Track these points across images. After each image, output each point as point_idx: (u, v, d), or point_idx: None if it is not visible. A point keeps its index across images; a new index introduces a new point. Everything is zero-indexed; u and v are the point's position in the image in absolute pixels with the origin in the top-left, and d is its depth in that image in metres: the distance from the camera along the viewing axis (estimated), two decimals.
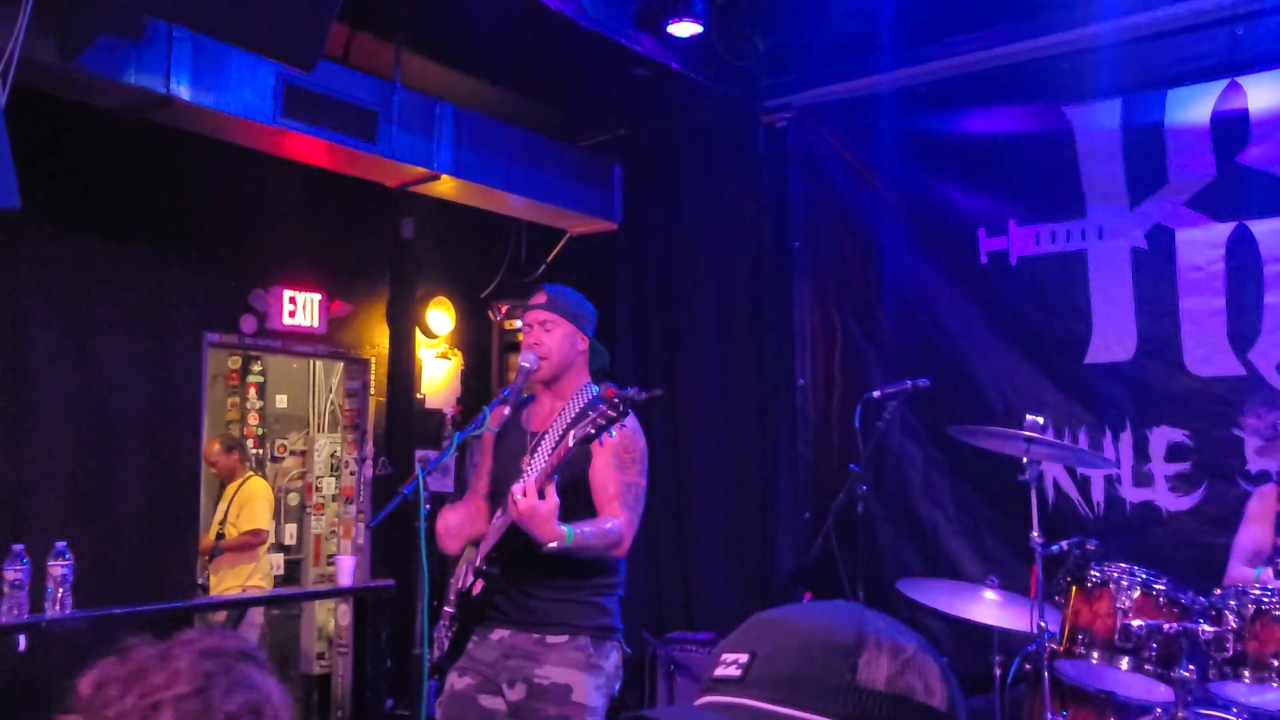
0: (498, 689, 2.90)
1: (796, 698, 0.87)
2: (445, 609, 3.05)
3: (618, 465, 2.92)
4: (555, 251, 6.35)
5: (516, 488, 2.67)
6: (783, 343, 5.52)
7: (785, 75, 5.49)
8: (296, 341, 5.81)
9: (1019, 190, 4.93)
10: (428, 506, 2.58)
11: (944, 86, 5.13)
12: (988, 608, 3.60)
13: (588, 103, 5.83)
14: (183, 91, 4.10)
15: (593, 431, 2.63)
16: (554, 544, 2.66)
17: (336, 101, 4.65)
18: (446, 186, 5.41)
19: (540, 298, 3.10)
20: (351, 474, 6.20)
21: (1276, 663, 2.91)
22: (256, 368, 7.70)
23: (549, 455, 2.85)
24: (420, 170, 5.09)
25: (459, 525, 3.04)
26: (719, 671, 0.92)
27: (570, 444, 2.65)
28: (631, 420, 2.97)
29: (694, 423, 5.76)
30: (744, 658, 0.91)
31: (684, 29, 4.94)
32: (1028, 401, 4.72)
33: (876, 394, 4.09)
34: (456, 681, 2.96)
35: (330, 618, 6.52)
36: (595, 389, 3.08)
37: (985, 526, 4.82)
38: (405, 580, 5.34)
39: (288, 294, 5.60)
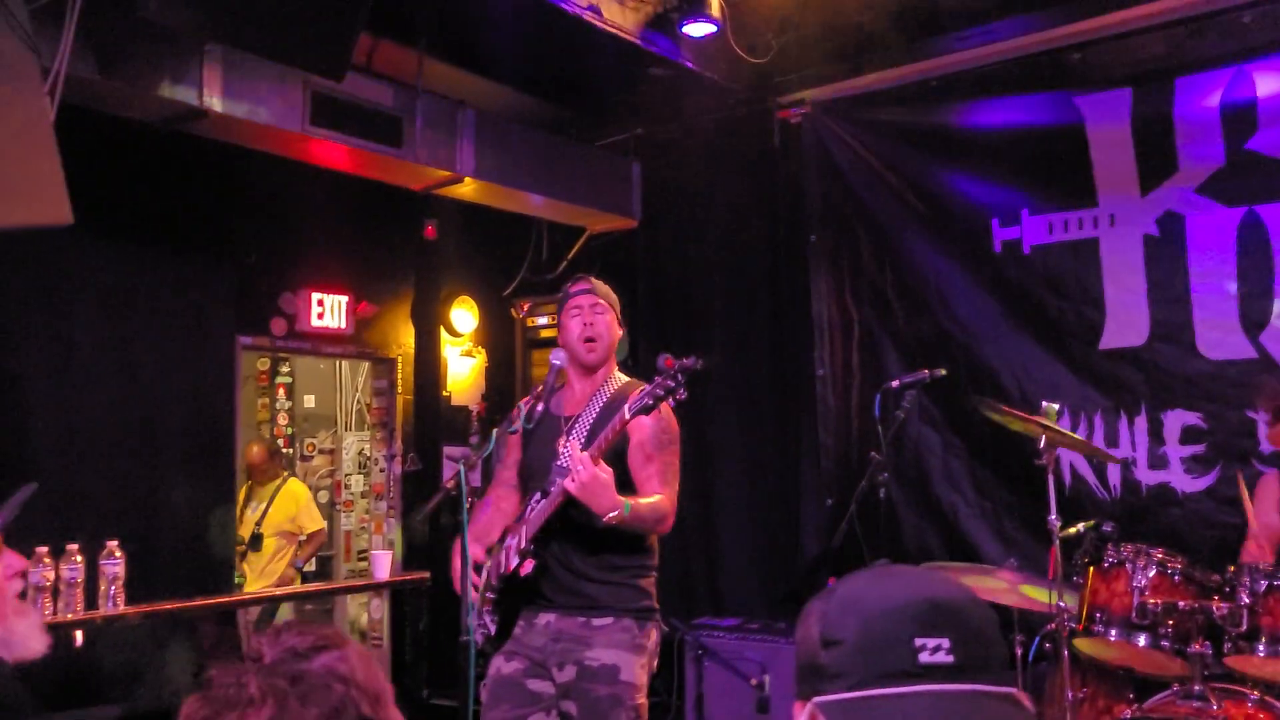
0: (546, 673, 3.01)
1: (1006, 676, 0.96)
2: (487, 594, 3.10)
3: (656, 445, 3.00)
4: (575, 249, 6.45)
5: (576, 457, 2.74)
6: (802, 334, 5.61)
7: (799, 72, 5.56)
8: (325, 342, 5.95)
9: (1031, 180, 4.99)
10: (469, 500, 2.70)
11: (955, 79, 5.21)
12: (1008, 589, 3.71)
13: (606, 102, 5.94)
14: (215, 103, 4.22)
15: (650, 402, 2.72)
16: (613, 514, 2.75)
17: (362, 108, 4.77)
18: (469, 188, 5.52)
19: (585, 283, 3.20)
20: (381, 471, 6.33)
21: None
22: (285, 369, 7.87)
23: (587, 435, 2.95)
24: (444, 173, 5.21)
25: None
26: (926, 658, 0.93)
27: (627, 415, 2.73)
28: (667, 404, 3.08)
29: (717, 415, 5.85)
30: (945, 643, 0.93)
31: (698, 29, 5.03)
32: (1043, 387, 4.81)
33: (895, 384, 4.19)
34: (504, 666, 3.05)
35: (362, 612, 6.67)
36: (623, 377, 3.18)
37: (1003, 510, 4.90)
38: (436, 572, 5.47)
39: (316, 296, 5.75)
